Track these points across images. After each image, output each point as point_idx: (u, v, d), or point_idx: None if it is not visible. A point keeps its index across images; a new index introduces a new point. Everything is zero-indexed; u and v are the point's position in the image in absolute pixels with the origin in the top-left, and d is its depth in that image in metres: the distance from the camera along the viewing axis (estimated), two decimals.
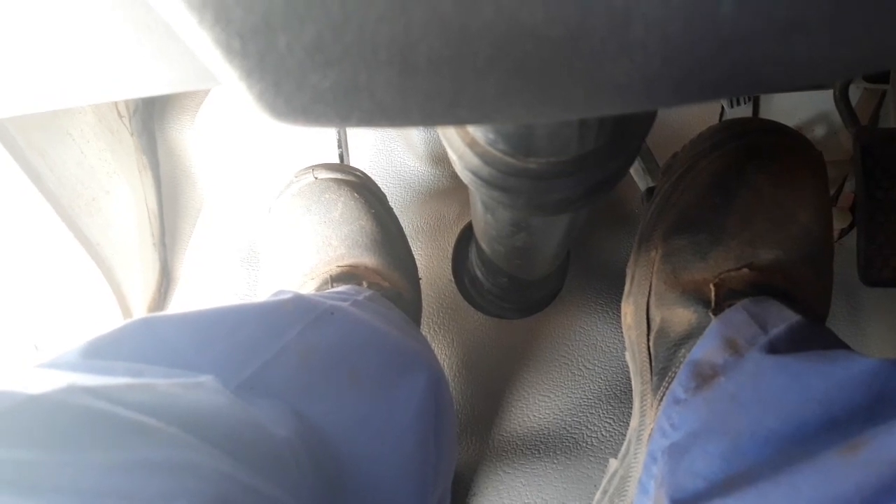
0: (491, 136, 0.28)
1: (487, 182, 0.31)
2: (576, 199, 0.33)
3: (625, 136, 0.30)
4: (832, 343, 0.40)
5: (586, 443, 0.64)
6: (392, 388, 0.39)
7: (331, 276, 0.54)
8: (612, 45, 0.14)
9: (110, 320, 0.73)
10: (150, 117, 0.84)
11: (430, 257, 0.73)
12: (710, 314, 0.42)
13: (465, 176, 0.33)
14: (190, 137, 0.83)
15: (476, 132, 0.29)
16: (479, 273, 0.68)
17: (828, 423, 0.33)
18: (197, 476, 0.23)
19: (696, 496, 0.35)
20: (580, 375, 0.66)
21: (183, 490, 0.23)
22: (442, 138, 0.32)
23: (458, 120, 0.18)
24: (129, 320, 0.35)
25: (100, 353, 0.33)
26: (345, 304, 0.44)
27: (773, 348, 0.38)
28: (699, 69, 0.15)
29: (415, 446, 0.38)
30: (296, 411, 0.35)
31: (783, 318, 0.40)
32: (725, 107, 0.75)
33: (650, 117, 0.30)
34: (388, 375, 0.40)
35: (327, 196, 0.57)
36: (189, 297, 0.76)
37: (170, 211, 0.81)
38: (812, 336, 0.39)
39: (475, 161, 0.30)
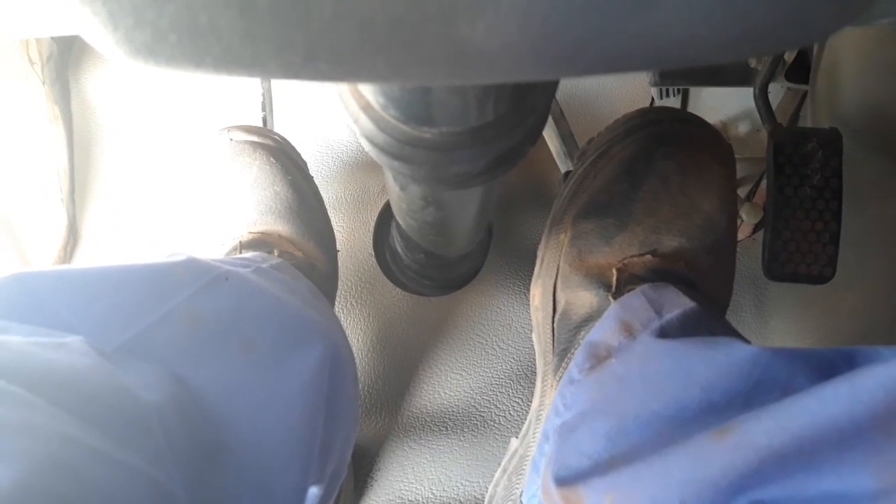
0: (381, 99, 0.27)
1: (384, 150, 0.30)
2: (479, 173, 0.33)
3: (524, 108, 0.29)
4: (723, 330, 0.41)
5: (494, 422, 0.64)
6: (283, 359, 0.38)
7: (241, 242, 0.53)
8: (462, 4, 0.13)
9: None
10: (65, 66, 0.79)
11: (352, 230, 0.72)
12: (611, 297, 0.43)
13: (363, 143, 0.32)
14: (107, 89, 0.79)
15: (369, 95, 0.28)
16: (399, 248, 0.67)
17: (707, 408, 0.34)
18: (33, 437, 0.22)
19: (579, 474, 0.36)
20: (493, 355, 0.67)
21: (13, 450, 0.21)
22: (339, 100, 0.31)
23: (320, 75, 0.17)
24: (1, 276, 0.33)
25: None
26: (244, 271, 0.42)
27: (664, 333, 0.38)
28: (558, 39, 0.15)
29: (301, 417, 0.37)
30: (177, 376, 0.34)
31: (678, 304, 0.41)
32: (655, 98, 0.76)
33: (549, 91, 0.30)
34: (280, 345, 0.39)
35: (241, 159, 0.55)
36: (96, 257, 0.73)
37: (81, 166, 0.77)
38: (703, 323, 0.40)
39: (370, 126, 0.29)
